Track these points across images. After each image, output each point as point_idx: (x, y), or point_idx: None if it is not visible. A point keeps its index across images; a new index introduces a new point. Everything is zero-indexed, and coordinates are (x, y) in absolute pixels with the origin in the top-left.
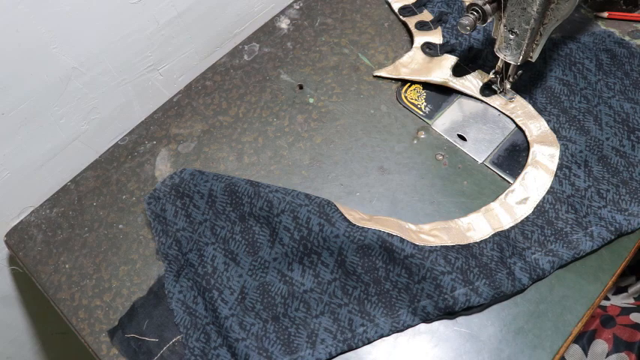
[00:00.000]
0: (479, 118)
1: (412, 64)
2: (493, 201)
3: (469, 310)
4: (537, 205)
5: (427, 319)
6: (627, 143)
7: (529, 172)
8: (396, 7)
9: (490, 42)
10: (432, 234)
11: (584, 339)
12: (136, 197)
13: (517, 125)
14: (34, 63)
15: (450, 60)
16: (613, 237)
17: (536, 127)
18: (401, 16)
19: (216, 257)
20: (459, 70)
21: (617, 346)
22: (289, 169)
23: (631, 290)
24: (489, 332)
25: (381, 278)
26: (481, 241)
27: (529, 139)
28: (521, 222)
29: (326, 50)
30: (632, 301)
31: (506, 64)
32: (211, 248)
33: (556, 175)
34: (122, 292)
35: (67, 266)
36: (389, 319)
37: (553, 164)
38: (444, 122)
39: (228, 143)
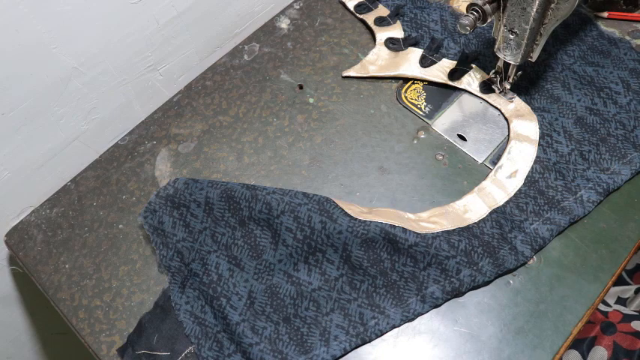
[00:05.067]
0: (479, 118)
1: (378, 60)
2: (484, 179)
3: (475, 288)
4: (527, 176)
5: (437, 305)
6: (598, 101)
7: (514, 146)
8: (350, 5)
9: (452, 32)
10: (431, 221)
11: (584, 345)
12: (136, 197)
13: (493, 105)
14: (34, 63)
15: (416, 53)
16: (602, 198)
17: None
18: (357, 14)
19: (220, 264)
20: (426, 62)
21: (617, 353)
22: (289, 169)
23: (631, 307)
24: (489, 332)
25: (387, 270)
26: (479, 221)
27: (506, 115)
28: (515, 195)
29: (326, 50)
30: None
31: (506, 64)
32: (214, 256)
33: (539, 144)
34: (122, 292)
35: (67, 266)
36: (399, 309)
37: (535, 134)
38: (444, 122)
39: (228, 143)
